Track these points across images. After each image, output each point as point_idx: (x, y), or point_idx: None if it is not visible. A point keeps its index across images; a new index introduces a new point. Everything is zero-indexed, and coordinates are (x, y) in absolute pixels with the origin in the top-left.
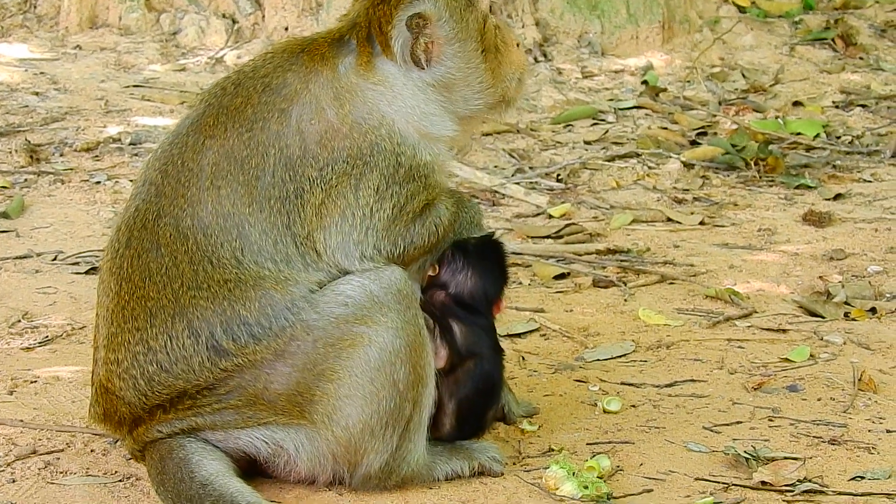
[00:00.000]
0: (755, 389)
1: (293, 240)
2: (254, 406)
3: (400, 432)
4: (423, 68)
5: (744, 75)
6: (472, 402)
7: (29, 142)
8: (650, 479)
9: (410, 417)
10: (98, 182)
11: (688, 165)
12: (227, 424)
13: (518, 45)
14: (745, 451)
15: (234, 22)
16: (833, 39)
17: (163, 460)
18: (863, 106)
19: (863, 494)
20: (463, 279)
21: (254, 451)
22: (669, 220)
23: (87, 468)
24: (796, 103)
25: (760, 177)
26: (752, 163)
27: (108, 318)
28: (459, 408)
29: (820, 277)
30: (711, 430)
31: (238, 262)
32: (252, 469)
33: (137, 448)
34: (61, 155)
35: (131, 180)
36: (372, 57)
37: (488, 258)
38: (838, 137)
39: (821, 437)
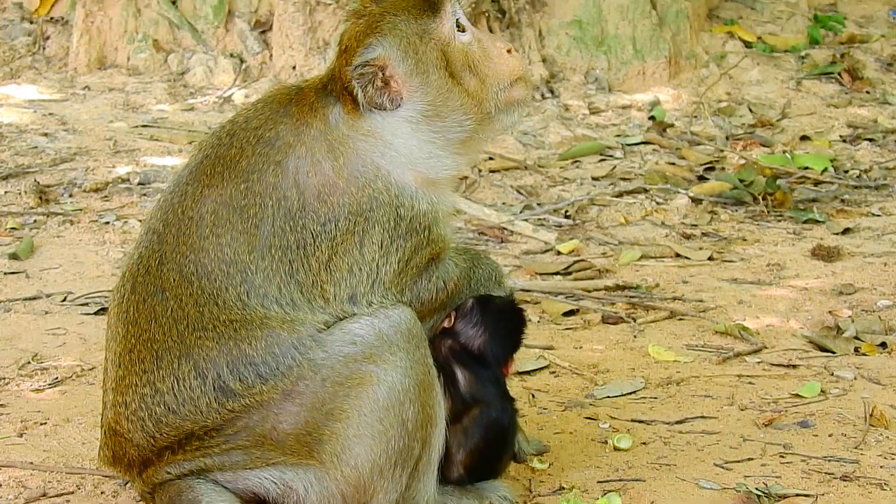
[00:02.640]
0: (766, 426)
1: (298, 287)
2: (262, 446)
3: (409, 471)
4: (390, 109)
5: (751, 110)
6: (483, 452)
7: (38, 183)
8: None
9: (420, 457)
10: (107, 222)
11: (696, 201)
12: (235, 465)
13: (510, 51)
14: (756, 488)
15: (242, 61)
16: (839, 74)
17: (172, 502)
18: (870, 140)
19: None
20: (474, 333)
21: (263, 492)
22: (678, 255)
23: None
24: (804, 137)
25: (769, 211)
26: (761, 198)
27: (115, 362)
28: (470, 457)
29: (830, 312)
30: (722, 467)
31: (244, 304)
32: None
33: (147, 490)
34: (70, 196)
35: (140, 220)
36: (356, 105)
37: (505, 320)
38: (846, 171)
39: (832, 474)
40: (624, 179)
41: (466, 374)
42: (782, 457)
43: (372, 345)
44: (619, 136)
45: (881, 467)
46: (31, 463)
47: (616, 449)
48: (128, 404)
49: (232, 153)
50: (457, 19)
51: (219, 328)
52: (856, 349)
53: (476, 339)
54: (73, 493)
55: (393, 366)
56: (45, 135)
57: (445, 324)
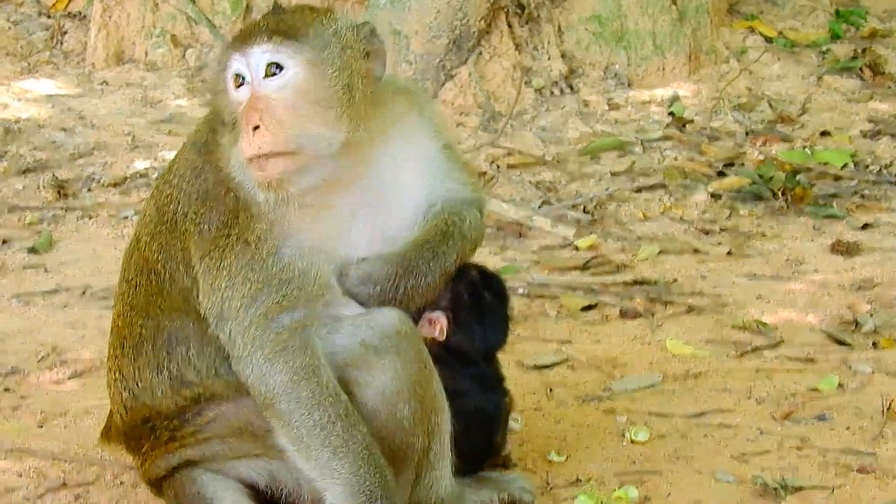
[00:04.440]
0: (783, 419)
1: None
2: (240, 437)
3: (416, 464)
4: None
5: (771, 105)
6: (466, 443)
7: (56, 177)
8: None
9: (428, 448)
10: (126, 217)
11: (715, 196)
12: (217, 456)
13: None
14: (773, 481)
15: None
16: (861, 69)
17: (178, 498)
18: (891, 135)
19: None
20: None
21: (253, 483)
22: (696, 251)
23: (117, 500)
24: (824, 133)
25: (788, 207)
26: (780, 193)
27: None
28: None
29: (848, 307)
30: (740, 460)
31: (184, 299)
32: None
33: (152, 487)
34: (89, 190)
35: None
36: None
37: (484, 317)
38: (866, 167)
39: (850, 467)
40: (643, 175)
41: (445, 371)
42: (799, 450)
43: (356, 353)
44: (638, 131)
45: None
46: (52, 453)
47: (633, 442)
48: (109, 385)
49: None
50: (237, 74)
51: (163, 317)
52: (874, 344)
53: (453, 338)
54: (92, 483)
55: (381, 370)
56: (64, 130)
57: (436, 335)
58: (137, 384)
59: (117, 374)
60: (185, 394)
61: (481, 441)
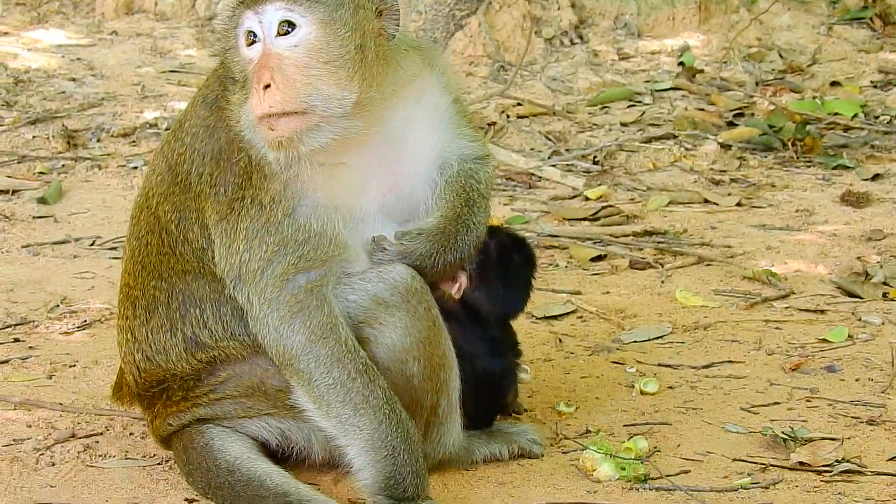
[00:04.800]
0: (793, 370)
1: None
2: (251, 397)
3: (425, 420)
4: None
5: (781, 55)
6: (473, 403)
7: (66, 128)
8: (687, 460)
9: (437, 404)
10: (135, 167)
11: (725, 146)
12: (229, 415)
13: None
14: (782, 432)
15: None
16: (871, 19)
17: (186, 450)
18: None
19: None
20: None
21: (264, 441)
22: (706, 201)
23: (126, 451)
24: (834, 83)
25: (798, 157)
26: (790, 143)
27: (118, 301)
28: (464, 406)
29: (858, 258)
30: (749, 411)
31: (198, 259)
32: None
33: (161, 442)
34: (98, 140)
35: None
36: None
37: (507, 286)
38: (876, 117)
39: (859, 418)
40: (653, 125)
41: (456, 330)
42: (809, 401)
43: (367, 308)
44: (648, 81)
45: None
46: (61, 404)
47: (643, 393)
48: (120, 345)
49: None
50: (249, 31)
51: (176, 278)
52: (884, 295)
53: (474, 295)
54: (101, 434)
55: (391, 327)
56: (73, 80)
57: (453, 293)
58: (151, 346)
59: (129, 335)
60: (199, 356)
61: (491, 402)
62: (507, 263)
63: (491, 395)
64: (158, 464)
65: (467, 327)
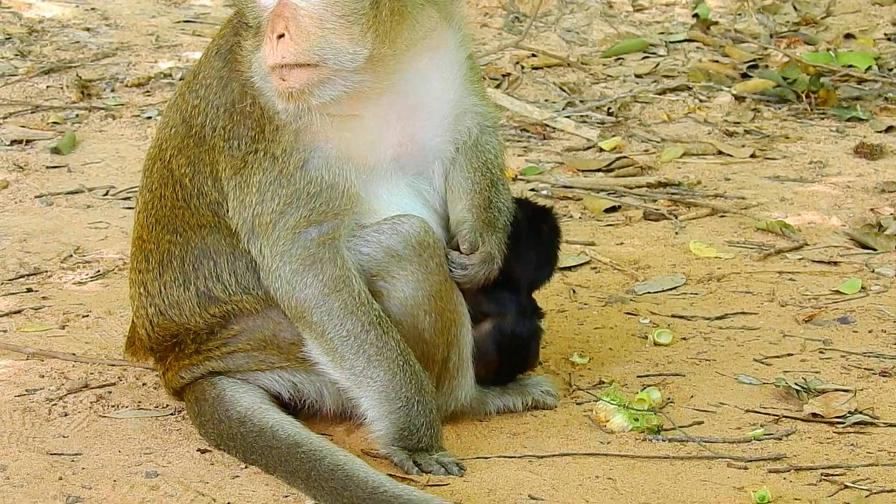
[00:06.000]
0: (806, 322)
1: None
2: (264, 350)
3: (437, 374)
4: None
5: (795, 8)
6: (499, 364)
7: (80, 77)
8: (700, 411)
9: (448, 358)
10: (149, 117)
11: (739, 98)
12: (241, 368)
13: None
14: (795, 384)
15: None
16: None
17: (198, 402)
18: None
19: None
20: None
21: (275, 394)
22: (720, 152)
23: (139, 402)
24: (848, 35)
25: (812, 109)
26: (804, 95)
27: (131, 254)
28: (485, 369)
29: (871, 210)
30: (762, 363)
31: (213, 213)
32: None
33: (173, 394)
34: (112, 90)
35: None
36: None
37: (537, 254)
38: (890, 70)
39: (871, 370)
40: (667, 77)
41: (491, 293)
42: (822, 352)
43: (379, 261)
44: (662, 33)
45: None
46: (74, 354)
47: (656, 344)
48: (133, 298)
49: None
50: None
51: (191, 232)
52: None
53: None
54: (114, 384)
55: (403, 280)
56: (87, 29)
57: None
58: (164, 300)
59: (141, 288)
60: (212, 311)
61: (518, 362)
62: (538, 232)
63: (519, 356)
64: (171, 414)
65: (502, 292)
